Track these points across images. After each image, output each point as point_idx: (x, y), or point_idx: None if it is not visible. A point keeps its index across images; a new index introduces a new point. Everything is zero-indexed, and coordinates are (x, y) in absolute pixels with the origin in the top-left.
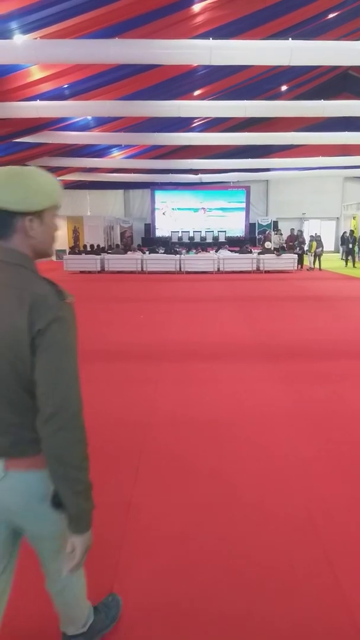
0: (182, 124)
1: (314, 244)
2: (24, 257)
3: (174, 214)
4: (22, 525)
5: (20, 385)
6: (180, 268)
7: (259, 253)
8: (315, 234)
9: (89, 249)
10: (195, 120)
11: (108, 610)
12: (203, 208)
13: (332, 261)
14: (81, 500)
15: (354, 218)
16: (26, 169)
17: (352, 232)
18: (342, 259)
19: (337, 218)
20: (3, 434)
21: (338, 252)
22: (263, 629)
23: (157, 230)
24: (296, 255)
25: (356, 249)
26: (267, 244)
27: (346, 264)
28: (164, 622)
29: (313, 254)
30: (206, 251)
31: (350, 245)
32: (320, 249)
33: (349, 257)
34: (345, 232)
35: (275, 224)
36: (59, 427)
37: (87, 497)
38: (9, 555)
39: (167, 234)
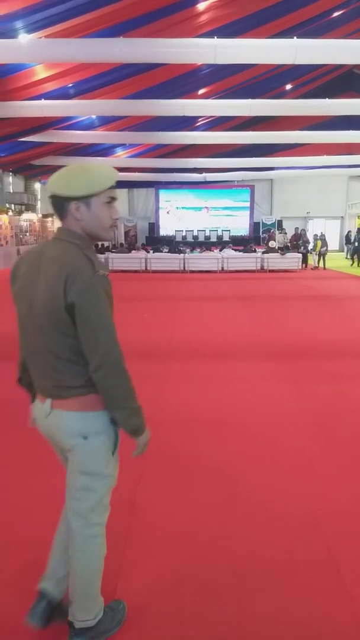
0: (186, 122)
1: (319, 242)
2: (75, 235)
3: (178, 212)
4: (64, 453)
5: (61, 340)
6: (184, 267)
7: (263, 252)
8: (321, 233)
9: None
10: (200, 119)
11: (114, 613)
12: (206, 207)
13: (337, 260)
14: (132, 419)
15: (358, 217)
16: (84, 163)
17: (359, 230)
18: (346, 258)
19: (342, 217)
20: (48, 378)
21: (342, 251)
22: (266, 629)
23: (161, 229)
24: (300, 255)
25: None
26: (272, 243)
27: (352, 263)
28: (167, 622)
29: (318, 253)
30: (210, 250)
31: (357, 244)
32: (324, 248)
33: (355, 256)
34: (349, 231)
35: (280, 223)
36: (104, 375)
37: (137, 416)
38: None
39: (171, 233)
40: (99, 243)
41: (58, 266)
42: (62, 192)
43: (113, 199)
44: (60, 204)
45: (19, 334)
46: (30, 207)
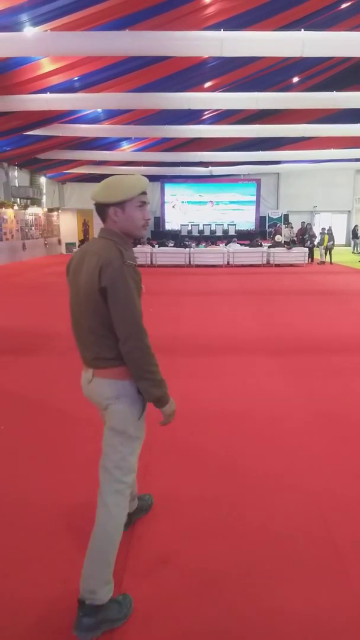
0: (192, 116)
1: (326, 237)
2: (113, 234)
3: (184, 207)
4: (102, 412)
5: (97, 319)
6: (190, 261)
7: (269, 246)
8: (330, 227)
9: None
10: (206, 113)
11: (121, 606)
12: (210, 201)
13: (344, 255)
14: (154, 390)
15: None
16: (120, 175)
17: None
18: (353, 252)
19: (349, 211)
20: (88, 351)
21: (349, 245)
22: (271, 622)
23: (166, 224)
24: (307, 249)
25: None
26: (278, 238)
27: None
28: (172, 615)
29: (325, 248)
30: (216, 244)
31: None
32: (331, 242)
33: None
34: (356, 226)
35: (286, 217)
36: (129, 349)
37: (158, 387)
38: None
39: (176, 227)
40: None
41: (96, 258)
42: (102, 199)
43: (144, 203)
44: (101, 209)
45: (70, 317)
46: (36, 201)
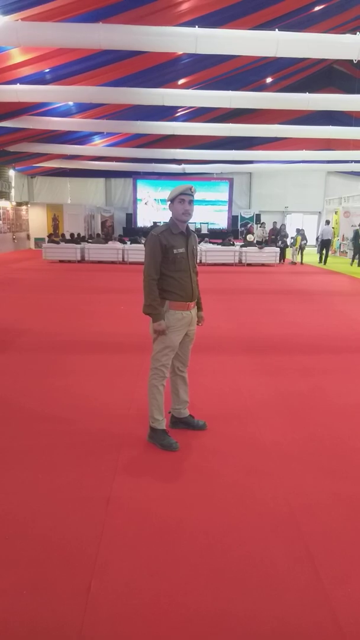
0: (166, 112)
1: (299, 238)
2: (170, 219)
3: (157, 204)
4: None
5: None
6: None
7: (242, 246)
8: (321, 228)
9: (68, 237)
10: (180, 110)
11: (164, 440)
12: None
13: (313, 255)
14: (145, 309)
15: (335, 213)
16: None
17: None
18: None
19: (319, 212)
20: None
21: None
22: (243, 626)
23: (138, 221)
24: (278, 249)
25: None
26: (250, 237)
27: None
28: (143, 620)
29: (298, 248)
30: None
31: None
32: (304, 242)
33: (357, 256)
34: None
35: (258, 216)
36: (143, 280)
37: (148, 308)
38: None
39: (149, 224)
40: (77, 233)
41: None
42: (167, 199)
43: (183, 200)
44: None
45: None
46: (4, 195)
